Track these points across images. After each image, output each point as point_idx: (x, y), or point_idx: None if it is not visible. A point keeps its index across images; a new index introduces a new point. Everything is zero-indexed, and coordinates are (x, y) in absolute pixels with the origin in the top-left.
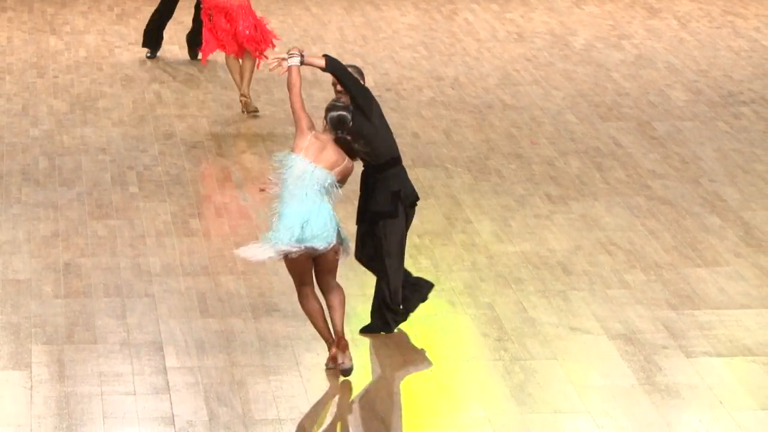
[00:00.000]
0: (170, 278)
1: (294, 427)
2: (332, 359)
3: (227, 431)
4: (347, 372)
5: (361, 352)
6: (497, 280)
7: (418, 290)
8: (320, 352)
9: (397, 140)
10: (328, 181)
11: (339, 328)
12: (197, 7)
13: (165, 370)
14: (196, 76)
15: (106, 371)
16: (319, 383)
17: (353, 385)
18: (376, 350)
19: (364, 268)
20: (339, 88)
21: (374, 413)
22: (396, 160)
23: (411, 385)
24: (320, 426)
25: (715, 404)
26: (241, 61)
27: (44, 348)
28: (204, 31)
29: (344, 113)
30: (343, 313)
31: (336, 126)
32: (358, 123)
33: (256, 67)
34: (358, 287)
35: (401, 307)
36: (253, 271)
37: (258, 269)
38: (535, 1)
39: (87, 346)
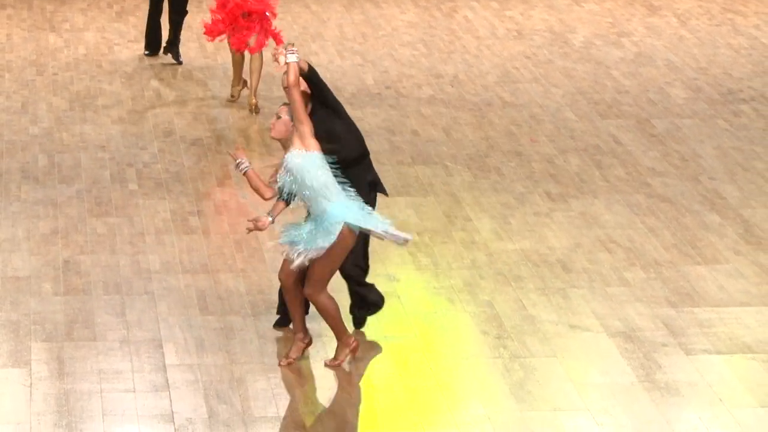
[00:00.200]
0: (170, 276)
1: (294, 425)
2: (353, 352)
3: (227, 428)
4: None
5: (360, 350)
6: (497, 278)
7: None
8: (320, 350)
9: (397, 138)
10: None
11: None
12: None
13: (164, 368)
14: (196, 74)
15: (105, 368)
16: (319, 381)
17: (353, 382)
18: (375, 348)
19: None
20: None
21: (374, 411)
22: (367, 154)
23: (410, 383)
24: (320, 424)
25: (715, 402)
26: (242, 57)
27: (44, 345)
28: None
29: None
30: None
31: None
32: (331, 122)
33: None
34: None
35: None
36: (253, 268)
37: (257, 267)
38: None
39: (86, 343)
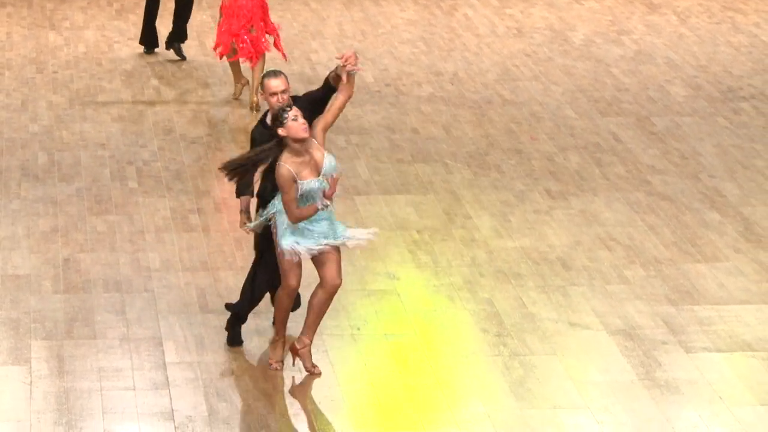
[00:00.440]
0: (170, 274)
1: (294, 423)
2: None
3: (227, 426)
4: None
5: (359, 348)
6: (497, 276)
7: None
8: (320, 348)
9: (396, 135)
10: None
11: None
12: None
13: (164, 366)
14: (196, 72)
15: (105, 366)
16: (320, 378)
17: (353, 380)
18: (375, 347)
19: (364, 263)
20: (285, 97)
21: (375, 409)
22: None
23: (410, 381)
24: (321, 422)
25: (715, 400)
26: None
27: (44, 343)
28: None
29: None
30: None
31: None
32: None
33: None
34: (358, 282)
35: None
36: None
37: None
38: None
39: (86, 341)
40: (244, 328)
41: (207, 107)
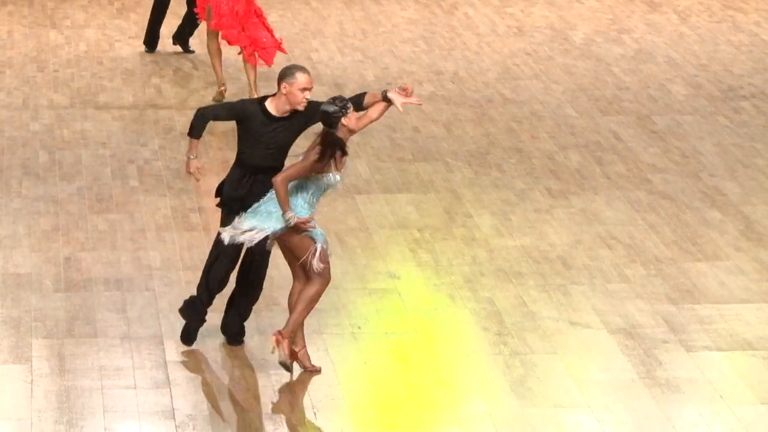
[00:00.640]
0: (170, 272)
1: (294, 421)
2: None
3: (227, 425)
4: (283, 365)
5: (360, 347)
6: (497, 275)
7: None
8: (320, 346)
9: (397, 134)
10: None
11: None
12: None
13: (165, 364)
14: (197, 70)
15: (106, 365)
16: (321, 377)
17: (354, 379)
18: (376, 345)
19: (365, 262)
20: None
21: (375, 407)
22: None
23: (411, 380)
24: (321, 420)
25: (715, 398)
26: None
27: (45, 342)
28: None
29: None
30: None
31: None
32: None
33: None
34: (359, 281)
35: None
36: None
37: None
38: None
39: (87, 340)
40: (245, 325)
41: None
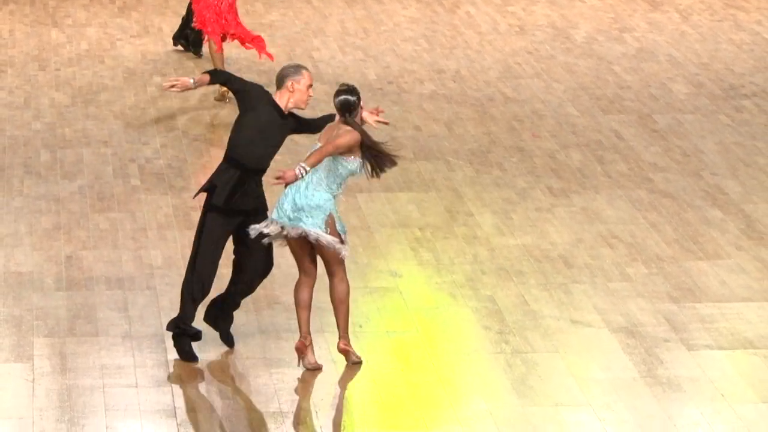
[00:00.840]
0: (172, 271)
1: (295, 420)
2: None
3: (229, 424)
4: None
5: (361, 346)
6: (499, 273)
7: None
8: (322, 345)
9: (399, 133)
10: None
11: (339, 324)
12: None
13: (167, 363)
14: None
15: (107, 364)
16: (321, 376)
17: (355, 377)
18: (377, 343)
19: (366, 261)
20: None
21: (376, 406)
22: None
23: (412, 378)
24: (322, 419)
25: (717, 397)
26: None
27: (46, 340)
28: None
29: (345, 97)
30: (341, 310)
31: (341, 110)
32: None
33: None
34: (360, 279)
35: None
36: None
37: None
38: None
39: (89, 338)
40: (245, 325)
41: (209, 104)
